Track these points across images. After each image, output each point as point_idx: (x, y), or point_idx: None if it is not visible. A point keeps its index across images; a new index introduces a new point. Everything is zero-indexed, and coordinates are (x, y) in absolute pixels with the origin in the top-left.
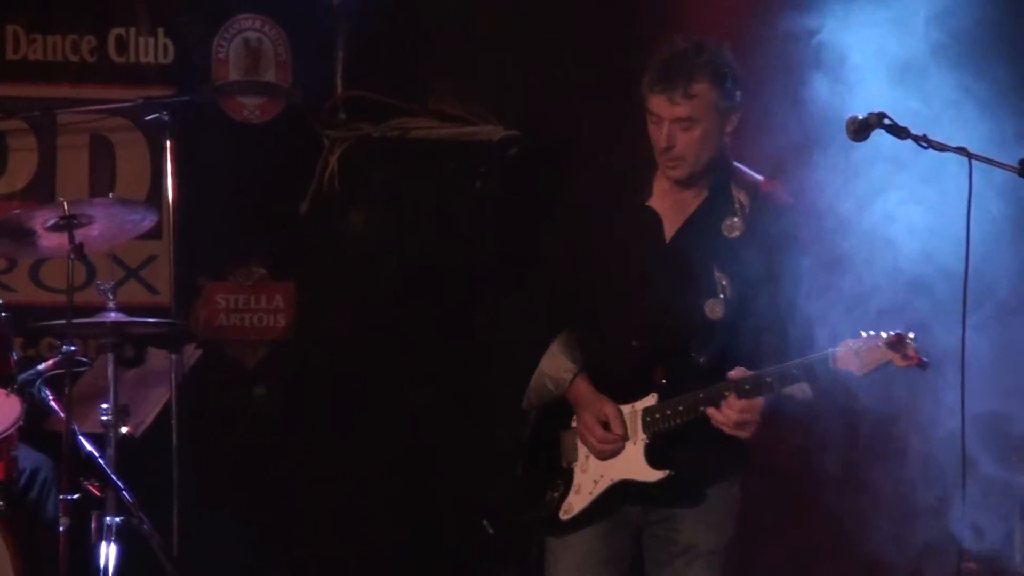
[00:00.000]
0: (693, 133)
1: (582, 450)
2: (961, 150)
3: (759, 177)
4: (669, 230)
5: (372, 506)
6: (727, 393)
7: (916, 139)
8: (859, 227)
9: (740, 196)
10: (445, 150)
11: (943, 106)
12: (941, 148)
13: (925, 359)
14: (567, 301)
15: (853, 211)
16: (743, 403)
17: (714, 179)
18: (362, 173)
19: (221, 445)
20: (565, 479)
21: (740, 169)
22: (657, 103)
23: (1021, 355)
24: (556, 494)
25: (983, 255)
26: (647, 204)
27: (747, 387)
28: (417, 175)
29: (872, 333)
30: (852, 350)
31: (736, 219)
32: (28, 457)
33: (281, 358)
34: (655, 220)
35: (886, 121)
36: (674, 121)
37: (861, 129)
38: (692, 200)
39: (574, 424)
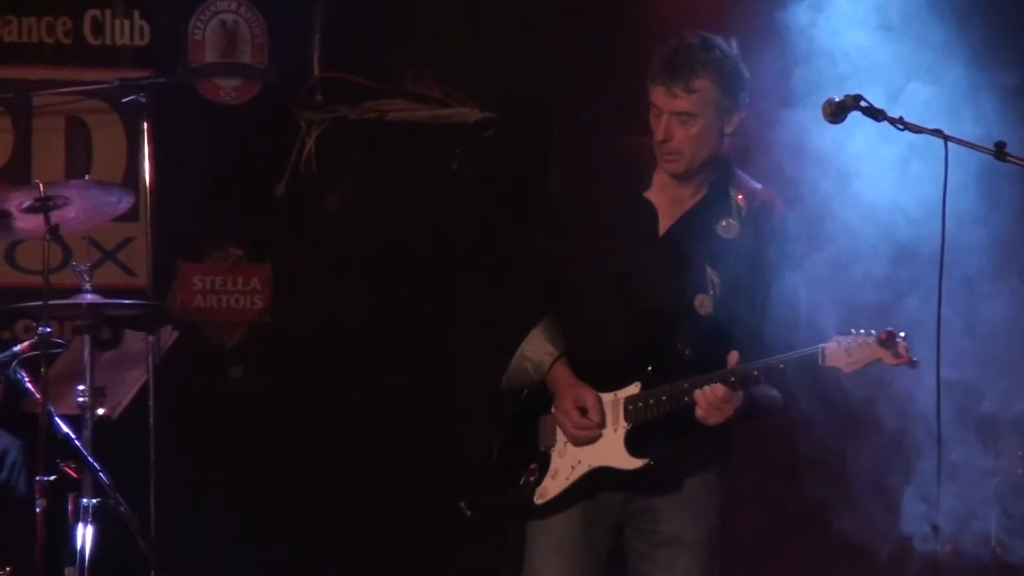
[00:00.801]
0: (691, 128)
1: (560, 436)
2: (937, 132)
3: (758, 185)
4: (664, 224)
5: (348, 487)
6: (713, 383)
7: (892, 121)
8: (836, 191)
9: (738, 199)
10: (422, 132)
11: (928, 55)
12: (917, 130)
13: (916, 358)
14: (552, 286)
15: (829, 168)
16: (726, 391)
17: (713, 178)
18: (339, 155)
19: (198, 427)
20: (541, 463)
21: (740, 175)
22: (658, 95)
23: (987, 328)
24: (532, 479)
25: (954, 226)
26: (644, 196)
27: (732, 379)
28: (394, 157)
29: (862, 331)
30: (841, 347)
31: (732, 220)
32: None
33: (258, 340)
34: (650, 212)
35: (862, 104)
36: (673, 114)
37: (838, 111)
38: (690, 197)
39: (554, 410)
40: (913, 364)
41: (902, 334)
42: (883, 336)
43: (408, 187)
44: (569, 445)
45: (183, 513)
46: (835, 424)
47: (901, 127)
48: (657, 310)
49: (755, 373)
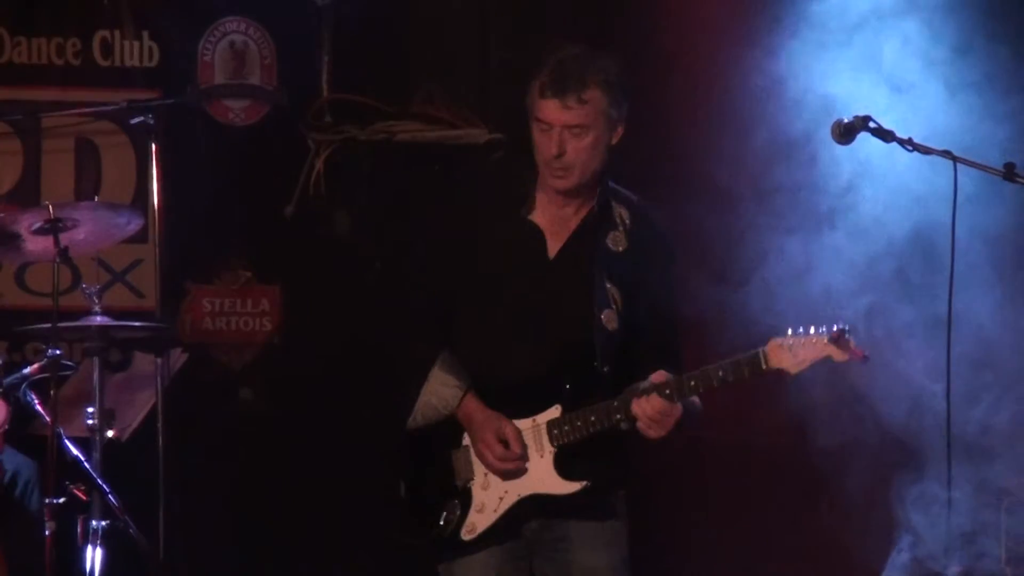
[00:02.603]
0: (584, 141)
1: (479, 468)
2: (946, 153)
3: (633, 196)
4: (552, 246)
5: (358, 509)
6: (647, 395)
7: (901, 142)
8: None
9: (621, 211)
10: (431, 153)
11: None
12: (926, 151)
13: (867, 353)
14: (446, 316)
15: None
16: (662, 404)
17: (596, 195)
18: (348, 176)
19: (207, 449)
20: (462, 499)
21: (616, 188)
22: (548, 109)
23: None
24: (454, 515)
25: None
26: (528, 218)
27: (667, 391)
28: (403, 178)
29: (800, 329)
30: (784, 347)
31: (619, 233)
32: (10, 459)
33: (267, 361)
34: (537, 235)
35: (871, 124)
36: (565, 128)
37: (847, 132)
38: (574, 215)
39: (465, 442)
40: (864, 359)
41: (848, 328)
42: (835, 334)
43: (417, 208)
44: (491, 476)
45: (192, 535)
46: (833, 435)
47: (910, 148)
48: (564, 331)
49: (692, 383)
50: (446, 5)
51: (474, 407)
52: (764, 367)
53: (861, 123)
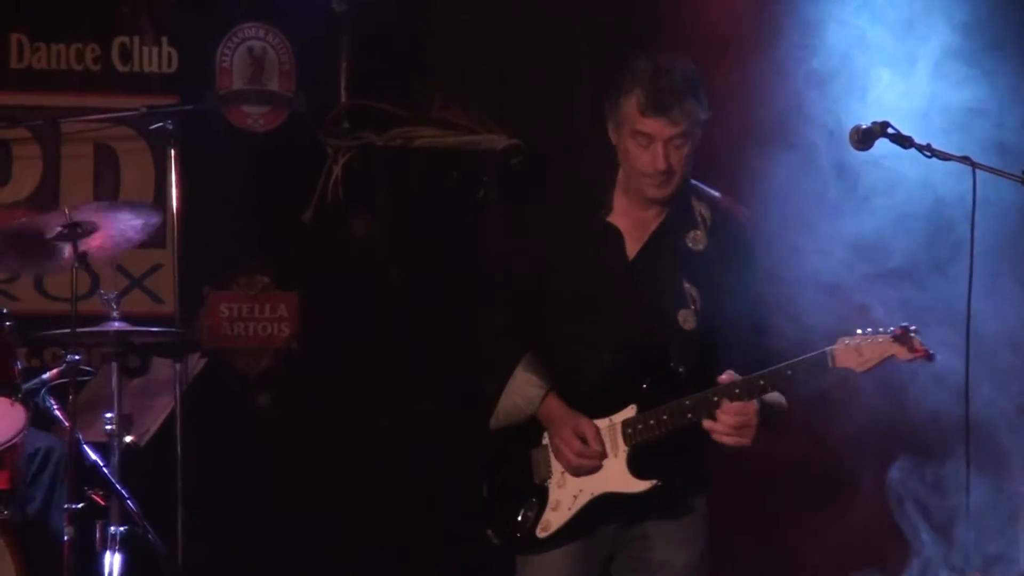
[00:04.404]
0: (684, 150)
1: (557, 466)
2: (965, 159)
3: (717, 194)
4: (631, 247)
5: (376, 515)
6: (716, 398)
7: (920, 148)
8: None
9: (701, 209)
10: (449, 159)
11: None
12: (945, 157)
13: (932, 351)
14: (529, 319)
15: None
16: (737, 405)
17: (676, 196)
18: (366, 182)
19: (225, 454)
20: (540, 496)
21: (698, 185)
22: (652, 125)
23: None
24: (531, 512)
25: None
26: (608, 221)
27: (737, 391)
28: (421, 184)
29: (871, 330)
30: (852, 347)
31: (700, 232)
32: (42, 439)
33: (285, 367)
34: (616, 237)
35: (889, 130)
36: (668, 140)
37: (865, 138)
38: (654, 218)
39: (545, 442)
40: (930, 357)
41: (913, 328)
42: (898, 332)
43: (435, 214)
44: (568, 475)
45: (210, 541)
46: (853, 439)
47: (928, 154)
48: (642, 332)
49: (761, 383)
50: (464, 11)
51: (555, 406)
52: (831, 365)
53: (879, 129)
